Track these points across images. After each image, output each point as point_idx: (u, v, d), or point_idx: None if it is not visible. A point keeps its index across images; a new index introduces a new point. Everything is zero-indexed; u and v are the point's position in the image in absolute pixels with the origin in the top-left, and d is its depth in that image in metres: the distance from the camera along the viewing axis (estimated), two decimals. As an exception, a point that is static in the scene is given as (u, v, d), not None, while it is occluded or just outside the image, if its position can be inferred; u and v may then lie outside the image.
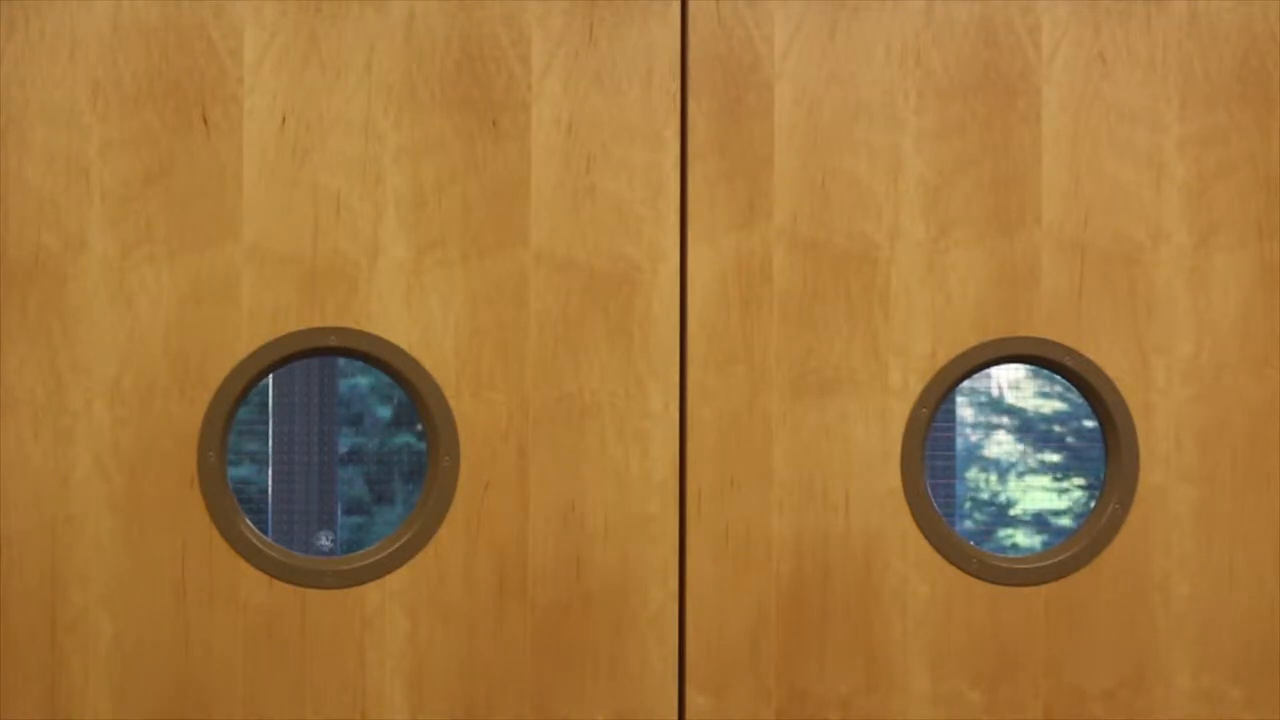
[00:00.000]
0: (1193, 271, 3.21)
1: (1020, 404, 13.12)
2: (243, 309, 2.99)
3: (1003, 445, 13.23)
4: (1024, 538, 12.69)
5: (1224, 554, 3.21)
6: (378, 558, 3.03)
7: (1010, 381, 12.87)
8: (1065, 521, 12.46)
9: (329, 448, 11.18)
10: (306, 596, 3.00)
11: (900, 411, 3.13)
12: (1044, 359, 3.21)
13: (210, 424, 2.97)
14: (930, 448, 3.19)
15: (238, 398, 2.99)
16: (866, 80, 3.14)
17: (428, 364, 3.03)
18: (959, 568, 3.15)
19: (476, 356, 3.04)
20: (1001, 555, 3.18)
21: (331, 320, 3.01)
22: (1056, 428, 13.10)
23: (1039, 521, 12.78)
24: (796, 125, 3.11)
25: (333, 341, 3.02)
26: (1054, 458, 13.04)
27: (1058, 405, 12.87)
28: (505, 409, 3.05)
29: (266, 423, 11.05)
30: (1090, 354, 3.18)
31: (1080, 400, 3.42)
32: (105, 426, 2.95)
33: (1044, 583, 3.17)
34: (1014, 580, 3.17)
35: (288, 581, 3.00)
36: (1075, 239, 3.18)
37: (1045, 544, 11.44)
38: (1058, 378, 3.63)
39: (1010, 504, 13.05)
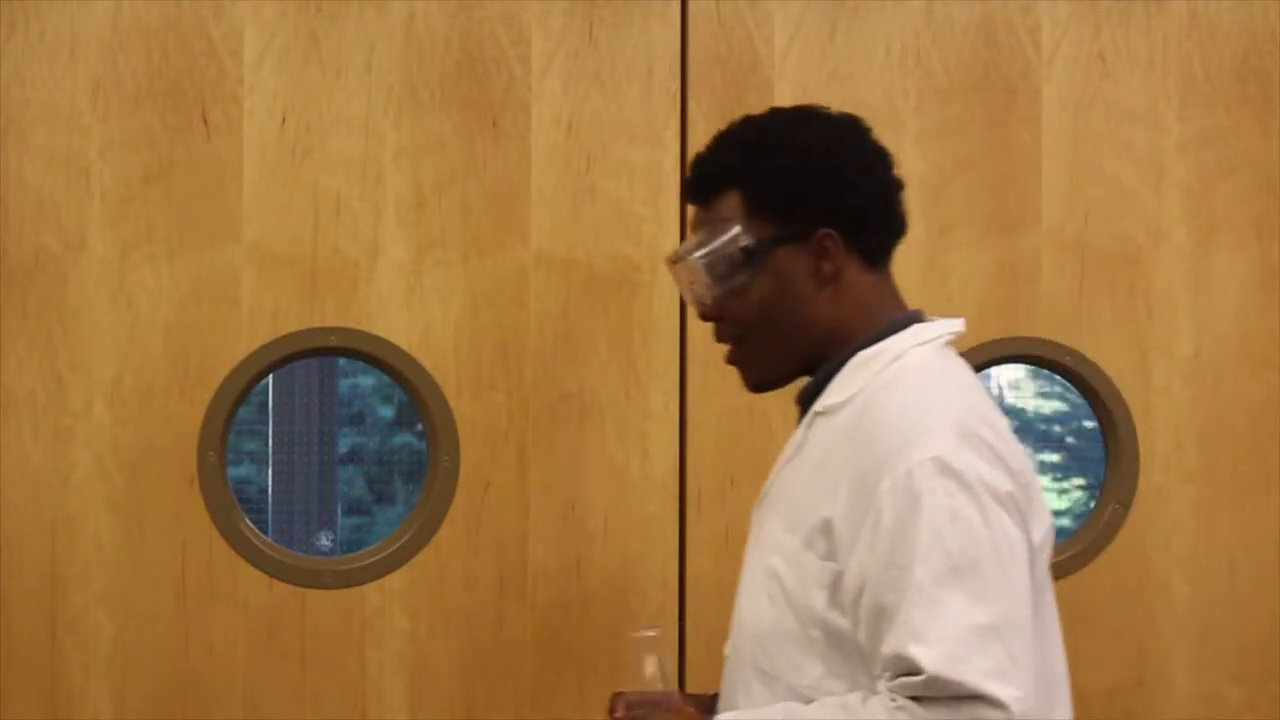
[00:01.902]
0: (1193, 271, 3.20)
1: (1020, 404, 13.12)
2: (243, 309, 2.98)
3: (1003, 445, 13.20)
4: (1024, 538, 12.66)
5: (1224, 554, 3.21)
6: (378, 558, 3.03)
7: (1010, 381, 12.87)
8: (1065, 521, 12.47)
9: (329, 448, 11.18)
10: (306, 596, 3.00)
11: (900, 411, 3.13)
12: (1044, 359, 3.21)
13: (210, 424, 2.97)
14: (930, 448, 3.19)
15: (238, 398, 2.98)
16: (866, 80, 3.14)
17: (428, 364, 3.02)
18: (959, 568, 3.14)
19: (476, 356, 3.04)
20: (1001, 555, 3.18)
21: (331, 320, 3.01)
22: (1056, 428, 13.10)
23: (1039, 521, 12.76)
24: (796, 125, 3.11)
25: (333, 341, 3.02)
26: (1054, 458, 13.04)
27: (1058, 405, 12.87)
28: (505, 409, 3.05)
29: (266, 423, 11.05)
30: (1090, 354, 3.18)
31: (1080, 400, 3.41)
32: (105, 426, 2.95)
33: (1044, 583, 3.17)
34: (1014, 580, 3.16)
35: (288, 581, 3.00)
36: (1075, 239, 3.18)
37: (1045, 544, 11.41)
38: (1058, 378, 3.62)
39: (1010, 504, 13.02)
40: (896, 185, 2.11)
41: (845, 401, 2.02)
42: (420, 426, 3.46)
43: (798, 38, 3.12)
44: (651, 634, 2.17)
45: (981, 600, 1.85)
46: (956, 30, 3.16)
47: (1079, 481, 12.80)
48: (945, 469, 1.88)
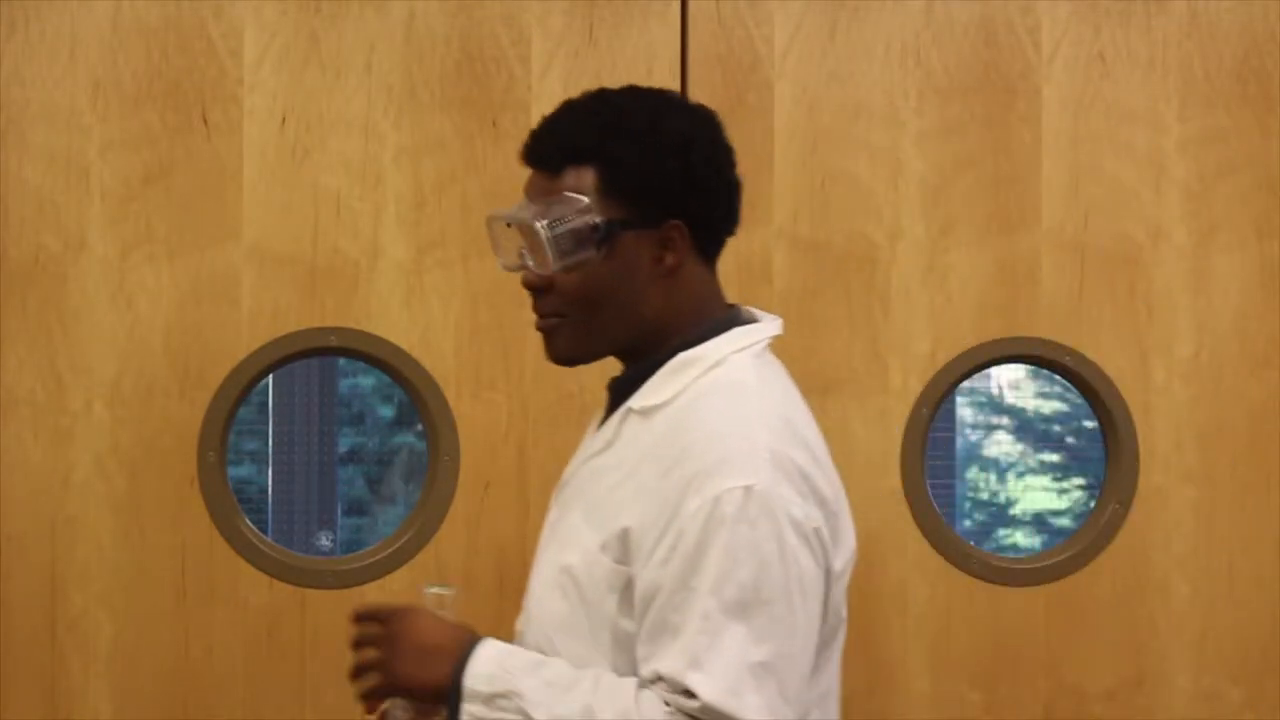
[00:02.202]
0: (1193, 271, 3.20)
1: (1020, 404, 13.13)
2: (243, 309, 2.98)
3: (1003, 445, 13.24)
4: (1024, 538, 12.70)
5: (1224, 554, 3.21)
6: (378, 558, 3.02)
7: (1010, 381, 12.88)
8: (1065, 521, 12.47)
9: (329, 448, 11.19)
10: (306, 596, 3.00)
11: (900, 411, 3.13)
12: (1044, 359, 3.21)
13: (210, 424, 2.97)
14: (930, 448, 3.19)
15: (238, 398, 2.99)
16: (866, 80, 3.14)
17: (428, 364, 3.02)
18: (959, 568, 3.15)
19: (476, 356, 3.04)
20: (1001, 555, 3.18)
21: (331, 320, 3.01)
22: (1056, 428, 13.11)
23: (1039, 521, 12.80)
24: (796, 125, 3.11)
25: (333, 341, 3.02)
26: (1054, 458, 13.05)
27: (1058, 405, 12.88)
28: (505, 409, 3.04)
29: (266, 423, 11.06)
30: (1090, 354, 3.18)
31: (1080, 400, 3.41)
32: (105, 426, 2.95)
33: (1044, 583, 3.17)
34: (1014, 580, 3.16)
35: (288, 581, 3.00)
36: (1075, 239, 3.18)
37: (1045, 544, 11.44)
38: (1058, 378, 3.62)
39: (1010, 504, 13.06)
40: (738, 184, 2.13)
41: (660, 405, 2.04)
42: (420, 426, 3.46)
43: (798, 38, 3.12)
44: (443, 591, 2.19)
45: (763, 637, 1.89)
46: (956, 30, 3.16)
47: (1079, 481, 12.81)
48: (754, 500, 1.91)
